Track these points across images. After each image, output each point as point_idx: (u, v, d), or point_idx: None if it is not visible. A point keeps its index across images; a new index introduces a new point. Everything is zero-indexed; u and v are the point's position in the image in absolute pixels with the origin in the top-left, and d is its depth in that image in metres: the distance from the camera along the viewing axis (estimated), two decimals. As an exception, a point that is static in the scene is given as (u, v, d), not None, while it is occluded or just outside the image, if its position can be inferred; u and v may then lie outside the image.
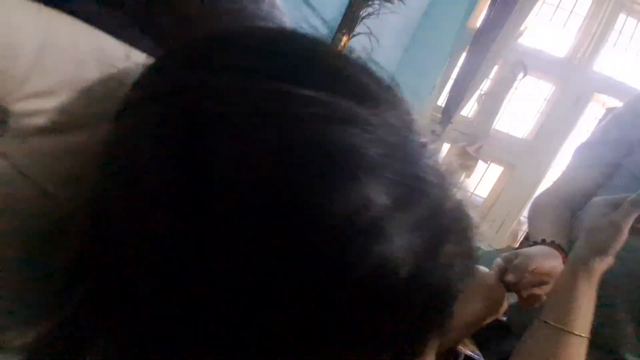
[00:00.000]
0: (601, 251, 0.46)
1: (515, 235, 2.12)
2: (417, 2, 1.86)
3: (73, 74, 0.16)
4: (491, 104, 2.01)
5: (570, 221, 0.73)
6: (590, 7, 2.14)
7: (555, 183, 0.76)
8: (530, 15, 1.94)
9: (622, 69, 2.11)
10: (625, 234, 0.45)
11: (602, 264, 0.46)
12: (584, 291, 0.45)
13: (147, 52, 0.19)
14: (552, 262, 0.51)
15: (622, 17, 2.13)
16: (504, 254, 0.56)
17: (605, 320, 0.55)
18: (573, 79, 2.06)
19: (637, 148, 0.65)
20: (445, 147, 2.23)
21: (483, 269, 0.54)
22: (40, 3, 0.16)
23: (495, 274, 0.50)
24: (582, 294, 0.45)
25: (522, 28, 1.95)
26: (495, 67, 2.09)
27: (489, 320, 0.44)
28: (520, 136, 2.16)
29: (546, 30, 2.13)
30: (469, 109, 2.11)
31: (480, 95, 2.05)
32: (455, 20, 2.04)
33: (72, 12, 0.17)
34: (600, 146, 0.71)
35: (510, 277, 0.50)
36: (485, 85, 2.10)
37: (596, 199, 0.50)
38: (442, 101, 2.06)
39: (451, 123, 1.96)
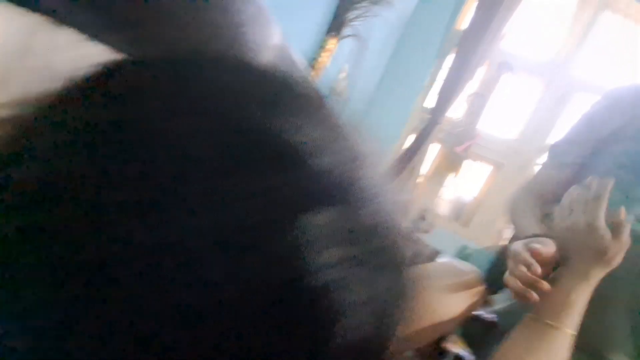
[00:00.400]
0: (606, 264, 0.48)
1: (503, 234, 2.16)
2: (403, 5, 1.88)
3: (51, 83, 0.15)
4: (478, 105, 2.04)
5: (543, 219, 0.75)
6: (573, 7, 2.19)
7: (529, 181, 0.79)
8: (514, 16, 1.97)
9: (604, 68, 2.17)
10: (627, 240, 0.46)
11: (605, 272, 0.48)
12: (584, 295, 0.47)
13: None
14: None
15: (606, 14, 2.17)
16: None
17: (596, 321, 0.57)
18: (557, 79, 2.10)
19: (608, 144, 0.68)
20: (435, 148, 2.25)
21: (461, 264, 0.56)
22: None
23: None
24: (582, 298, 0.47)
25: (504, 31, 1.98)
26: (482, 68, 2.13)
27: (470, 314, 0.45)
28: (507, 135, 2.20)
29: (530, 31, 2.18)
30: (457, 110, 2.13)
31: (468, 96, 2.08)
32: (442, 22, 2.06)
33: (53, 15, 0.16)
34: (568, 146, 0.74)
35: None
36: (473, 86, 2.13)
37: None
38: (430, 102, 2.08)
39: (439, 124, 1.98)
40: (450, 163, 2.03)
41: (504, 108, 2.12)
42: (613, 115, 0.74)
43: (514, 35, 2.14)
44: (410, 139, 2.05)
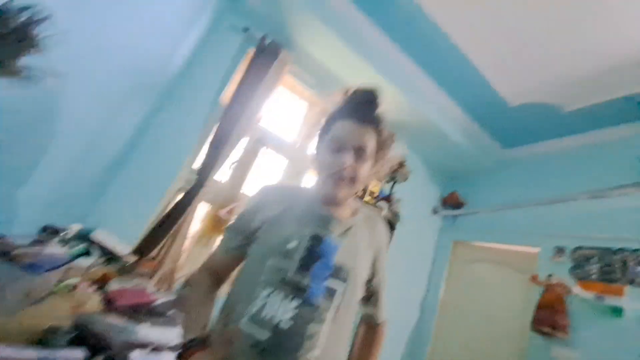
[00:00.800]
0: None
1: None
2: (174, 67, 1.92)
3: None
4: (240, 172, 2.29)
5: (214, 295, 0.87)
6: (305, 106, 2.95)
7: (205, 261, 0.91)
8: (268, 101, 2.43)
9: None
10: None
11: None
12: None
13: None
14: None
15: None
16: None
17: None
18: (298, 156, 2.71)
19: (253, 238, 0.85)
20: (204, 207, 2.27)
21: None
22: None
23: None
24: None
25: (261, 113, 2.41)
26: (245, 140, 2.45)
27: None
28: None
29: (282, 115, 2.74)
30: (223, 175, 2.29)
31: (232, 164, 2.29)
32: (209, 93, 2.24)
33: None
34: (233, 233, 0.91)
35: None
36: (237, 155, 2.37)
37: None
38: (197, 165, 2.13)
39: (204, 186, 2.05)
40: (215, 226, 2.11)
41: (262, 176, 2.50)
42: (253, 211, 0.86)
43: (270, 117, 2.65)
44: (177, 198, 1.99)
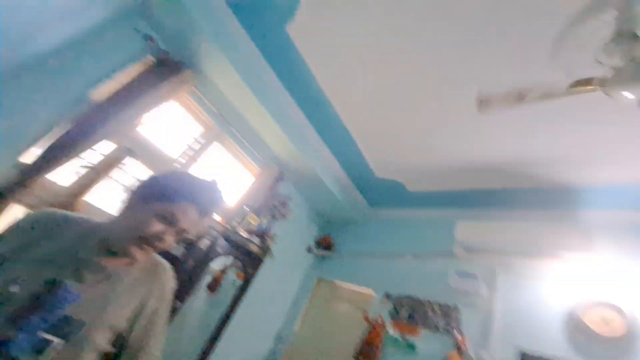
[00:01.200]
0: None
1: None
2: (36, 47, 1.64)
3: None
4: (90, 178, 2.00)
5: None
6: (199, 128, 2.83)
7: None
8: (153, 112, 2.25)
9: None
10: None
11: None
12: None
13: None
14: None
15: (215, 144, 2.97)
16: None
17: None
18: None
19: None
20: (20, 210, 1.87)
21: None
22: None
23: None
24: None
25: (140, 120, 2.21)
26: (109, 146, 2.17)
27: None
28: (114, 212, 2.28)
29: (163, 130, 2.56)
30: (64, 178, 1.96)
31: (81, 166, 1.99)
32: (77, 83, 1.98)
33: None
34: None
35: None
36: (92, 159, 2.09)
37: None
38: (29, 159, 1.78)
39: (28, 187, 1.71)
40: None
41: (117, 187, 2.23)
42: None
43: (150, 127, 2.44)
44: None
